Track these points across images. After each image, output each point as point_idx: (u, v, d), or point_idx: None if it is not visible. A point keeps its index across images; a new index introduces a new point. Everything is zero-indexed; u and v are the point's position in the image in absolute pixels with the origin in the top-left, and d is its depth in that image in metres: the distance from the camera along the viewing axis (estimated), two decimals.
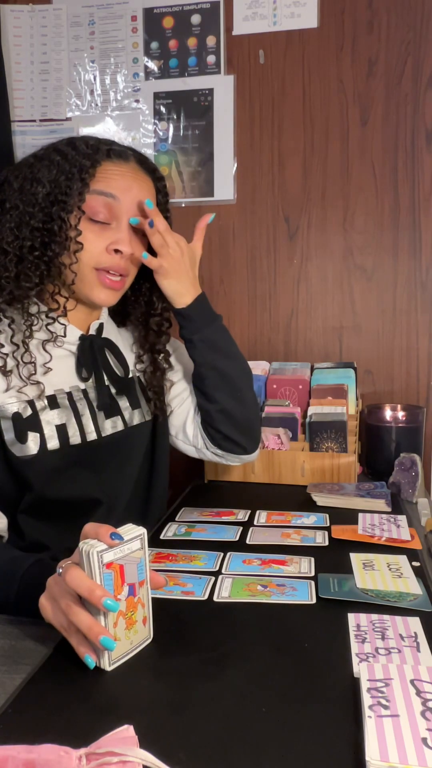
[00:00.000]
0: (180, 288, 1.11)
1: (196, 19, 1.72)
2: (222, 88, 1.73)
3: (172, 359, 1.22)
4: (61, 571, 0.71)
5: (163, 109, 1.77)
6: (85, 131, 1.82)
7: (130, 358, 1.18)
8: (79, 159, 0.99)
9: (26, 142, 1.84)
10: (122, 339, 1.20)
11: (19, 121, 1.84)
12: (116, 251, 1.02)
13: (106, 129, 1.81)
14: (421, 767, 0.52)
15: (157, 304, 1.16)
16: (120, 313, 1.22)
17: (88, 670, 0.68)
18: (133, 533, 0.71)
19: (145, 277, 1.15)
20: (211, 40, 1.72)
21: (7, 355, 0.99)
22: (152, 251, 1.09)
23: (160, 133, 1.78)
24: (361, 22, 1.64)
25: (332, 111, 1.68)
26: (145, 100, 1.78)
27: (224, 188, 1.76)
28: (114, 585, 0.69)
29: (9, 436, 0.97)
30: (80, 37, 1.80)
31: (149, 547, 1.04)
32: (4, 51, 1.80)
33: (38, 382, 1.01)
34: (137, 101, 1.79)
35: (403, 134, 1.65)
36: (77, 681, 0.67)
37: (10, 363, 0.99)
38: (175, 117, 1.77)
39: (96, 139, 1.04)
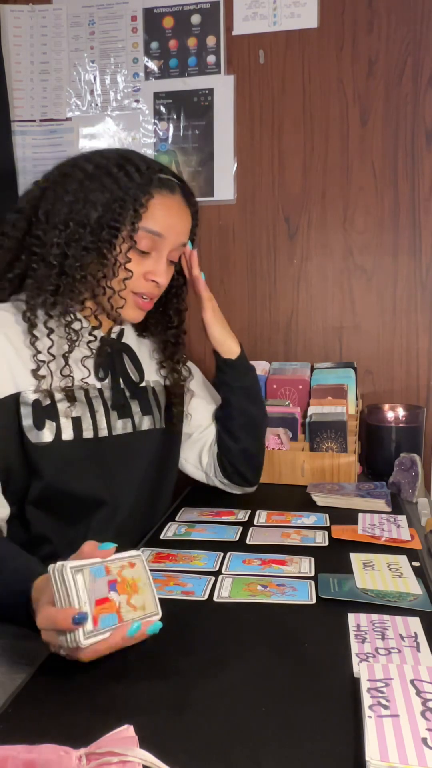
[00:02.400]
0: (227, 335, 1.23)
1: (196, 19, 1.72)
2: (222, 88, 1.73)
3: (193, 385, 1.28)
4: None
5: (163, 109, 1.77)
6: (85, 131, 1.82)
7: (147, 366, 1.20)
8: (133, 188, 1.03)
9: (26, 142, 1.84)
10: (142, 347, 1.23)
11: (19, 121, 1.84)
12: (153, 281, 1.08)
13: (106, 129, 1.81)
14: (421, 767, 0.52)
15: (174, 318, 1.23)
16: (140, 324, 1.24)
17: (88, 670, 0.68)
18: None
19: (164, 293, 1.20)
20: (211, 40, 1.72)
21: (42, 362, 1.01)
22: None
23: (160, 133, 1.78)
24: (361, 22, 1.63)
25: (332, 111, 1.68)
26: (145, 100, 1.78)
27: (224, 188, 1.76)
28: (90, 589, 0.68)
29: (27, 422, 0.99)
30: (80, 37, 1.80)
31: (149, 547, 1.04)
32: (4, 51, 1.80)
33: (70, 385, 1.04)
34: (137, 101, 1.79)
35: (403, 134, 1.65)
36: (77, 681, 0.67)
37: (44, 371, 1.01)
38: (175, 117, 1.76)
39: (145, 164, 1.06)
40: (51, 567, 0.67)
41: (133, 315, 1.11)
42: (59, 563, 0.67)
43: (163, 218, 1.05)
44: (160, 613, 0.74)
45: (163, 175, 1.07)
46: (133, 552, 0.75)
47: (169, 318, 1.23)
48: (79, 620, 0.65)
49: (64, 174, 1.05)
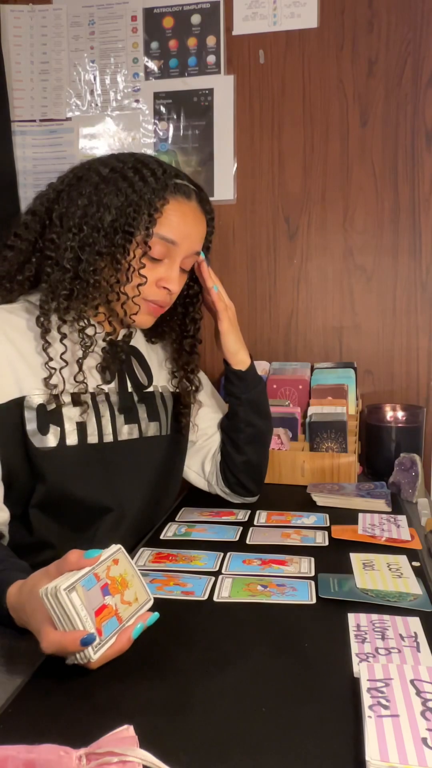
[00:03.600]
0: (240, 346, 1.22)
1: (196, 19, 1.72)
2: (222, 88, 1.73)
3: (201, 395, 1.26)
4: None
5: (163, 109, 1.77)
6: (85, 131, 1.82)
7: (156, 372, 1.20)
8: (148, 193, 1.01)
9: (26, 142, 1.84)
10: (151, 353, 1.22)
11: (19, 121, 1.84)
12: (165, 288, 1.06)
13: (106, 129, 1.81)
14: (421, 767, 0.52)
15: (189, 327, 1.21)
16: (152, 330, 1.24)
17: (88, 670, 0.68)
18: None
19: (179, 301, 1.19)
20: (211, 40, 1.72)
21: (54, 370, 1.00)
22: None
23: (160, 133, 1.78)
24: (361, 22, 1.63)
25: (332, 111, 1.68)
26: (145, 100, 1.78)
27: (224, 188, 1.76)
28: (87, 603, 0.67)
29: (31, 426, 0.99)
30: (80, 37, 1.80)
31: (149, 547, 1.04)
32: (4, 51, 1.80)
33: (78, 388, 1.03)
34: (137, 101, 1.79)
35: (403, 134, 1.65)
36: (77, 681, 0.67)
37: (55, 379, 1.00)
38: (175, 117, 1.76)
39: (161, 169, 1.04)
40: (42, 591, 0.66)
41: (144, 320, 1.09)
42: (50, 586, 0.66)
43: (177, 225, 1.04)
44: (152, 598, 0.75)
45: (179, 181, 1.06)
46: (113, 548, 0.74)
47: (185, 326, 1.21)
48: (88, 642, 0.64)
49: (79, 177, 1.04)
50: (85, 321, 1.03)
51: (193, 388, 1.23)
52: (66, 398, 1.02)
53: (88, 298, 1.02)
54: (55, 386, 1.00)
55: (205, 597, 0.86)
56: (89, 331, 1.03)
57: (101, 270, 1.02)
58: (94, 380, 1.07)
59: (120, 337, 1.13)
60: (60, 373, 1.00)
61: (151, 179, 1.02)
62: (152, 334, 1.24)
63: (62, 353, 1.01)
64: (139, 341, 1.20)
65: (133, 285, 1.03)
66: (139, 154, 1.09)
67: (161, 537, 1.09)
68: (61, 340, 1.01)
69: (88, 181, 1.03)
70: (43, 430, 0.99)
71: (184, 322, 1.22)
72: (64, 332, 1.02)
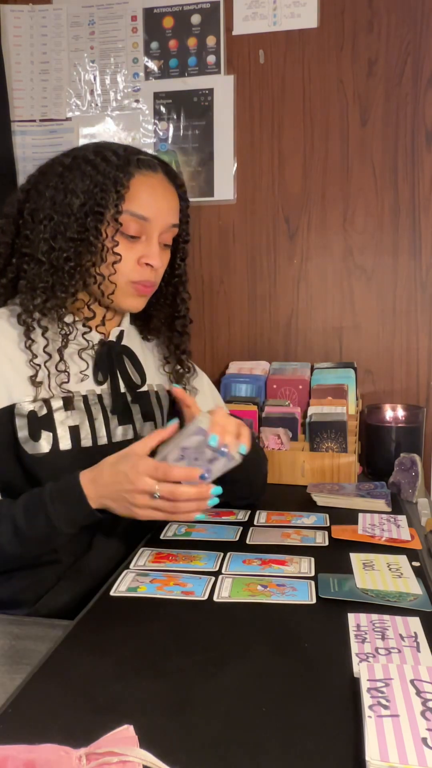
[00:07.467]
0: None
1: (196, 19, 1.72)
2: (222, 88, 1.73)
3: (197, 382, 1.26)
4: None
5: (163, 109, 1.77)
6: (86, 131, 1.82)
7: (150, 371, 1.19)
8: (112, 171, 1.01)
9: (26, 142, 1.84)
10: (145, 351, 1.22)
11: (19, 121, 1.84)
12: (147, 264, 1.06)
13: (106, 129, 1.81)
14: (421, 767, 0.52)
15: (180, 306, 1.21)
16: (142, 320, 1.24)
17: (88, 670, 0.68)
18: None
19: (167, 281, 1.19)
20: (211, 40, 1.72)
21: (39, 366, 1.00)
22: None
23: (160, 133, 1.78)
24: (361, 22, 1.63)
25: (332, 111, 1.68)
26: (145, 100, 1.78)
27: (224, 188, 1.76)
28: None
29: (23, 433, 0.99)
30: (80, 37, 1.80)
31: (149, 547, 1.04)
32: (4, 51, 1.80)
33: (69, 392, 1.03)
34: (137, 101, 1.79)
35: (403, 134, 1.65)
36: (77, 681, 0.67)
37: (42, 374, 1.00)
38: (175, 117, 1.76)
39: (122, 148, 1.05)
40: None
41: (133, 303, 1.09)
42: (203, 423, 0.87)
43: (147, 200, 1.03)
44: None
45: (143, 156, 1.06)
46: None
47: (175, 307, 1.21)
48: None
49: (43, 172, 1.06)
50: (63, 309, 1.03)
51: (186, 370, 1.22)
52: (57, 403, 1.02)
53: (66, 287, 1.02)
54: (41, 383, 0.99)
55: (205, 597, 0.86)
56: (67, 318, 1.04)
57: (77, 256, 1.02)
58: (82, 382, 1.07)
59: (111, 338, 1.13)
60: (45, 366, 1.00)
61: (113, 158, 1.02)
62: (146, 330, 1.24)
63: (45, 346, 1.01)
64: (133, 341, 1.19)
65: (108, 264, 1.03)
66: (100, 141, 1.10)
67: (161, 537, 1.09)
68: (43, 334, 1.02)
69: (52, 172, 1.04)
70: (34, 436, 0.99)
71: (174, 302, 1.21)
72: (45, 325, 1.02)
